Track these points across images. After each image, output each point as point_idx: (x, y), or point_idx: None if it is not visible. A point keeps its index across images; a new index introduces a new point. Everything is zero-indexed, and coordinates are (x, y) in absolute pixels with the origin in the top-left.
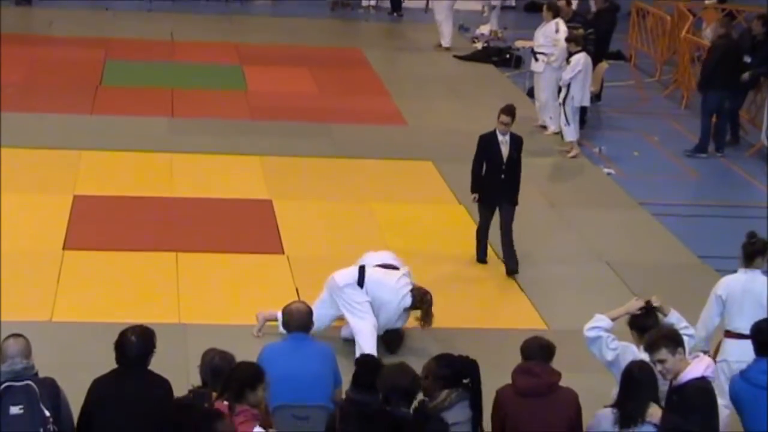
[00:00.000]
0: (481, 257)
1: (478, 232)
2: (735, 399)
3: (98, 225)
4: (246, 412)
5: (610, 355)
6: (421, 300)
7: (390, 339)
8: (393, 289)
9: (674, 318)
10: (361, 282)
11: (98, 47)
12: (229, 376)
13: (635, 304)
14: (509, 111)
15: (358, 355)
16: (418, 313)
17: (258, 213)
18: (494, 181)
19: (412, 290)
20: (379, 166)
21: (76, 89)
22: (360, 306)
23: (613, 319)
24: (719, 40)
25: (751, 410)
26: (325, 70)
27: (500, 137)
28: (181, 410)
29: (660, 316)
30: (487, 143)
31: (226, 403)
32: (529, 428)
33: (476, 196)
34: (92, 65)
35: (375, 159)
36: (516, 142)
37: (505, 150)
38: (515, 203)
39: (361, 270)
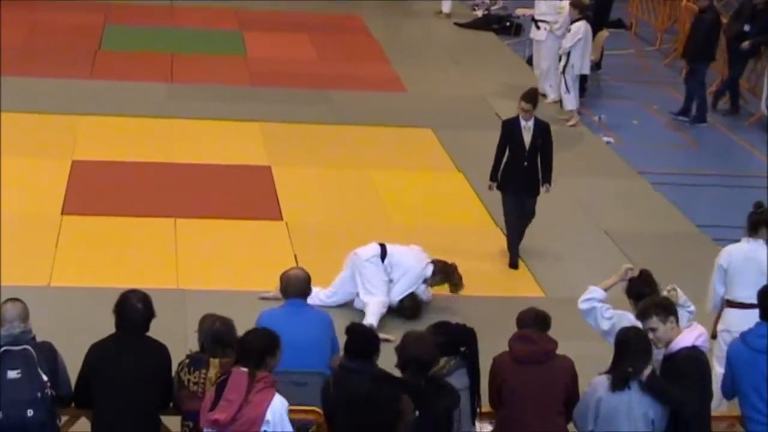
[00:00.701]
0: (513, 261)
1: (507, 227)
2: (732, 360)
3: (96, 190)
4: (266, 379)
5: (605, 325)
6: (444, 271)
7: (407, 306)
8: (415, 257)
9: (681, 300)
10: (383, 255)
11: (97, 12)
12: (244, 344)
13: (626, 271)
14: (528, 97)
15: None
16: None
17: (257, 179)
18: (516, 169)
19: (433, 262)
20: (379, 132)
21: (74, 54)
22: (376, 283)
23: (605, 289)
24: (703, 14)
25: (748, 373)
26: (325, 37)
27: (523, 123)
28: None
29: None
30: (509, 129)
31: (245, 369)
32: (526, 395)
33: (492, 184)
34: (91, 30)
35: (374, 126)
36: (541, 129)
37: (527, 137)
38: (537, 193)
39: (383, 246)
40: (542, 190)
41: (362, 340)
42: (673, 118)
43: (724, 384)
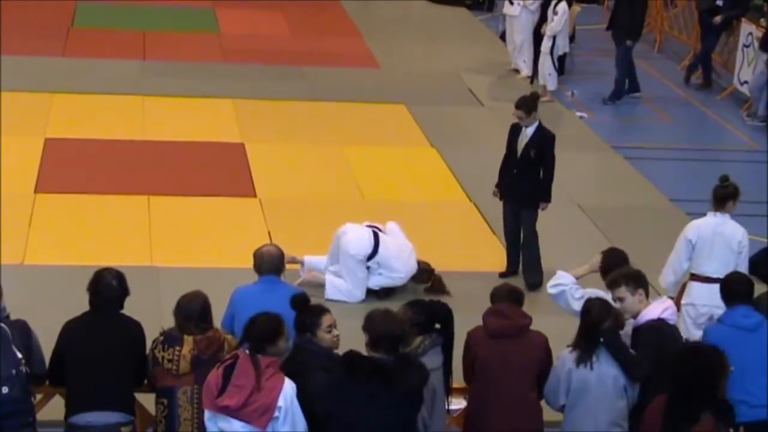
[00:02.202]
0: (511, 268)
1: (505, 238)
2: (712, 343)
3: (70, 168)
4: (274, 364)
5: (576, 305)
6: (428, 280)
7: (382, 292)
8: (406, 264)
9: None
10: (373, 254)
11: None
12: (247, 328)
13: (598, 261)
14: (518, 104)
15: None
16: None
17: (230, 156)
18: (507, 176)
19: (420, 268)
20: (352, 109)
21: (47, 31)
22: (355, 279)
23: (577, 277)
24: None
25: (737, 355)
26: (298, 13)
27: (523, 129)
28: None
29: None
30: (511, 132)
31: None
32: (499, 369)
33: (495, 191)
34: (64, 7)
35: (348, 102)
36: (538, 139)
37: (522, 144)
38: (532, 206)
39: (376, 238)
40: (541, 206)
41: (306, 313)
42: (628, 97)
43: None
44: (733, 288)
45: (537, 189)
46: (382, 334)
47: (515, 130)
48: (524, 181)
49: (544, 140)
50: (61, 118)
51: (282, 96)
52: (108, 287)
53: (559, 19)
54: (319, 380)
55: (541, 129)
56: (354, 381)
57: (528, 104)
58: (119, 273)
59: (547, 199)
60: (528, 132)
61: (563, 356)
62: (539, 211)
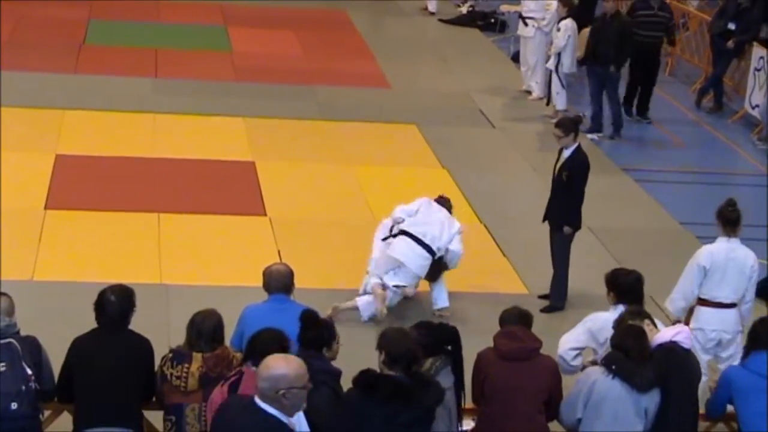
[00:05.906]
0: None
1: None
2: (733, 385)
3: (80, 185)
4: None
5: (577, 361)
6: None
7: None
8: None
9: None
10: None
11: (82, 6)
12: (251, 343)
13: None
14: (557, 122)
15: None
16: None
17: (241, 174)
18: (550, 199)
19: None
20: (363, 128)
21: (59, 48)
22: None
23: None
24: (612, 19)
25: (754, 400)
26: (310, 32)
27: (563, 151)
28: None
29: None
30: (558, 153)
31: (254, 369)
32: (509, 391)
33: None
34: (76, 24)
35: (359, 122)
36: (570, 163)
37: (558, 165)
38: (559, 229)
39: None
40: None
41: (318, 330)
42: (591, 138)
43: (714, 403)
44: (762, 336)
45: (564, 212)
46: (400, 353)
47: (560, 152)
48: (556, 203)
49: (575, 165)
50: (71, 134)
51: (293, 115)
52: (109, 303)
53: (562, 35)
54: (321, 395)
55: (576, 153)
56: (373, 400)
57: (566, 124)
58: (121, 289)
59: (570, 223)
60: (565, 154)
61: (589, 370)
62: (568, 235)
